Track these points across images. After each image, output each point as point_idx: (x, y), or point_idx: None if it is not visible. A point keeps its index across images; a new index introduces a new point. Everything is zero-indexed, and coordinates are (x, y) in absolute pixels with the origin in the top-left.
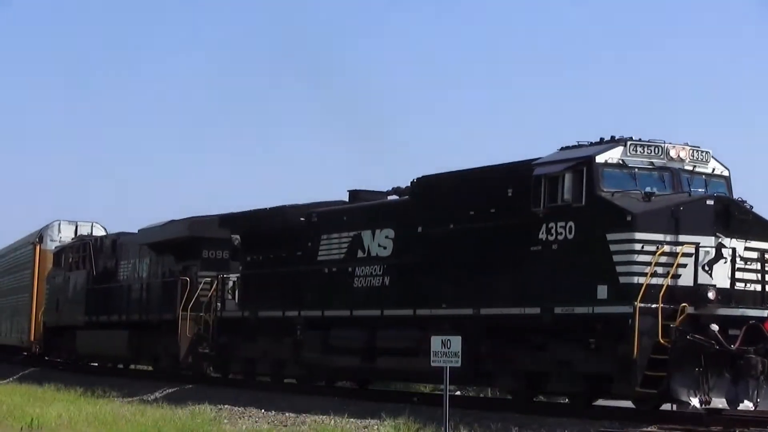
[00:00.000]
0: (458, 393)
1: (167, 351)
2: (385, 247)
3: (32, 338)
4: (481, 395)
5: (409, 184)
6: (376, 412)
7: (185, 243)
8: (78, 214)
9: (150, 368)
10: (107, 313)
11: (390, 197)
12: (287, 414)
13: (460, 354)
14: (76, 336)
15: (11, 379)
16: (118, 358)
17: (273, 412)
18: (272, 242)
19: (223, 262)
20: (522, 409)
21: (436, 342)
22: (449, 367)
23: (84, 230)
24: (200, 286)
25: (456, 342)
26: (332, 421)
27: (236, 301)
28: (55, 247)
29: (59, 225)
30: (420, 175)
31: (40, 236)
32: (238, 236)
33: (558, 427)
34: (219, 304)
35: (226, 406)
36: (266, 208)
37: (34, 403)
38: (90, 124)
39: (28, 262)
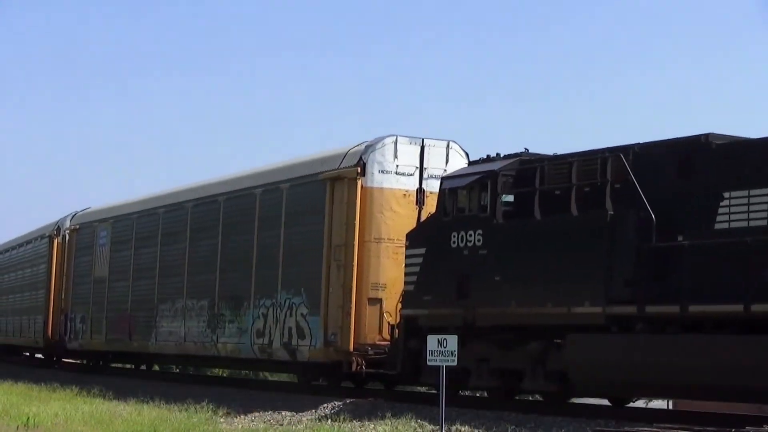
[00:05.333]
0: None
1: None
2: None
3: (351, 347)
4: (476, 394)
5: None
6: (373, 411)
7: None
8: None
9: None
10: None
11: None
12: (284, 413)
13: (456, 353)
14: (565, 345)
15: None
16: None
17: (269, 412)
18: None
19: None
20: (520, 408)
21: (432, 341)
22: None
23: (436, 154)
24: None
25: (452, 341)
26: (329, 420)
27: None
28: (448, 176)
29: (395, 144)
30: None
31: (361, 163)
32: None
33: (554, 426)
34: None
35: (222, 405)
36: None
37: (31, 402)
38: None
39: (317, 209)
